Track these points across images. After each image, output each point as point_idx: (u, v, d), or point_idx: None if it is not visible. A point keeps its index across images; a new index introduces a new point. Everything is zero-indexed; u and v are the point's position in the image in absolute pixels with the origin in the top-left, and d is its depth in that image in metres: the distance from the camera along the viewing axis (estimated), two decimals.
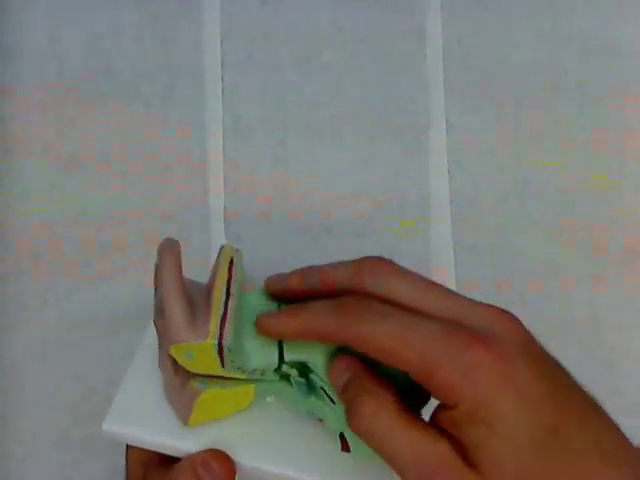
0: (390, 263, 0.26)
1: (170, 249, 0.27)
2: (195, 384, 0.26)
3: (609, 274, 0.40)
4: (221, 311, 0.25)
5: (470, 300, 0.24)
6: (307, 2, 0.42)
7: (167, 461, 0.27)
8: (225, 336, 0.25)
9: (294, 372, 0.27)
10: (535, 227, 0.40)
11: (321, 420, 0.27)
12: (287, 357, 0.26)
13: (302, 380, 0.27)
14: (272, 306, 0.28)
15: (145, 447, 0.28)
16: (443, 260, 0.40)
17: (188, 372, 0.26)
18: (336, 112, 0.41)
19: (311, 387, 0.27)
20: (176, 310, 0.25)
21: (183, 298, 0.25)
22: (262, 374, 0.27)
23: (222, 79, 0.41)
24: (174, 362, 0.26)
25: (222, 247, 0.28)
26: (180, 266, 0.26)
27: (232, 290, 0.26)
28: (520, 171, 0.41)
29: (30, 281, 0.39)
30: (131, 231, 0.40)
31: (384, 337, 0.22)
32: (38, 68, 0.41)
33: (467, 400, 0.21)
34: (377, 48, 0.42)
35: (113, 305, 0.39)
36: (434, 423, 0.23)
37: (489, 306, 0.24)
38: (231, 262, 0.27)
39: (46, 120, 0.41)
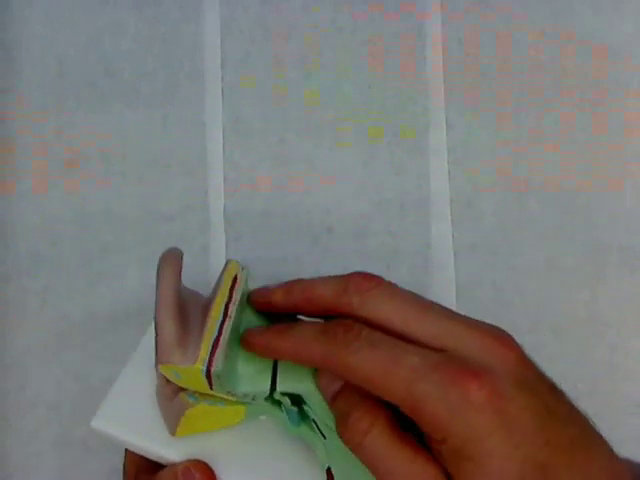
0: (378, 282, 0.24)
1: (170, 261, 0.26)
2: (185, 397, 0.26)
3: (609, 274, 0.40)
4: (214, 335, 0.24)
5: (465, 322, 0.23)
6: (307, 2, 0.42)
7: (156, 466, 0.27)
8: (214, 363, 0.24)
9: (286, 401, 0.26)
10: (535, 227, 0.40)
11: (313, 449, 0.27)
12: (280, 387, 0.26)
13: (294, 409, 0.26)
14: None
15: (131, 449, 0.28)
16: (443, 260, 0.40)
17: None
18: (336, 112, 0.41)
19: (303, 416, 0.26)
20: (167, 330, 0.24)
21: (176, 317, 0.24)
22: (253, 399, 0.26)
23: (222, 79, 0.41)
24: None
25: (228, 262, 0.27)
26: (179, 281, 0.26)
27: (230, 312, 0.25)
28: (520, 171, 0.41)
29: (30, 281, 0.39)
30: (131, 231, 0.40)
31: (371, 368, 0.22)
32: (38, 68, 0.41)
33: (455, 437, 0.20)
34: (377, 48, 0.42)
35: (113, 305, 0.39)
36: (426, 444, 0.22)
37: (485, 330, 0.23)
38: (234, 280, 0.26)
39: (46, 120, 0.41)
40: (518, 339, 0.24)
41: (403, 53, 0.42)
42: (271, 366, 0.26)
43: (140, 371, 0.28)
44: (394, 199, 0.41)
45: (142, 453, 0.27)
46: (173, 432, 0.26)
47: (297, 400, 0.26)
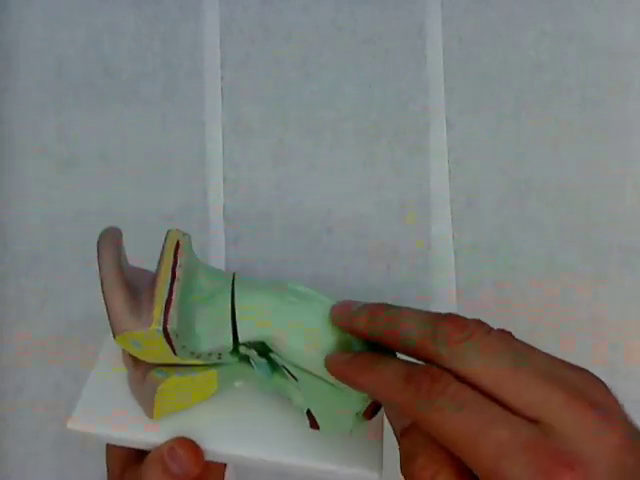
0: (471, 333, 0.22)
1: (107, 238, 0.26)
2: (155, 374, 0.26)
3: (609, 274, 0.40)
4: (165, 296, 0.25)
5: (566, 388, 0.21)
6: (307, 2, 0.42)
7: (142, 455, 0.27)
8: (170, 321, 0.24)
9: (253, 353, 0.26)
10: (535, 227, 0.40)
11: (290, 399, 0.27)
12: (242, 338, 0.26)
13: (263, 360, 0.26)
14: (225, 290, 0.27)
15: (114, 443, 0.28)
16: (443, 260, 0.40)
17: (148, 364, 0.26)
18: (336, 112, 0.41)
19: (273, 366, 0.27)
20: (116, 299, 0.25)
21: (122, 286, 0.25)
22: (219, 357, 0.26)
23: (222, 79, 0.41)
24: (134, 356, 0.26)
25: (168, 232, 0.27)
26: (119, 254, 0.26)
27: (177, 274, 0.25)
28: (520, 171, 0.41)
29: (29, 281, 0.39)
30: (129, 231, 0.40)
31: (454, 432, 0.20)
32: (38, 68, 0.41)
33: None
34: (377, 48, 0.42)
35: None
36: None
37: (587, 402, 0.20)
38: (177, 246, 0.27)
39: (45, 120, 0.41)
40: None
41: (403, 53, 0.42)
42: (230, 320, 0.26)
43: (108, 367, 0.29)
44: (394, 199, 0.41)
45: (125, 444, 0.27)
46: (151, 415, 0.27)
47: (263, 350, 0.26)
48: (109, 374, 0.28)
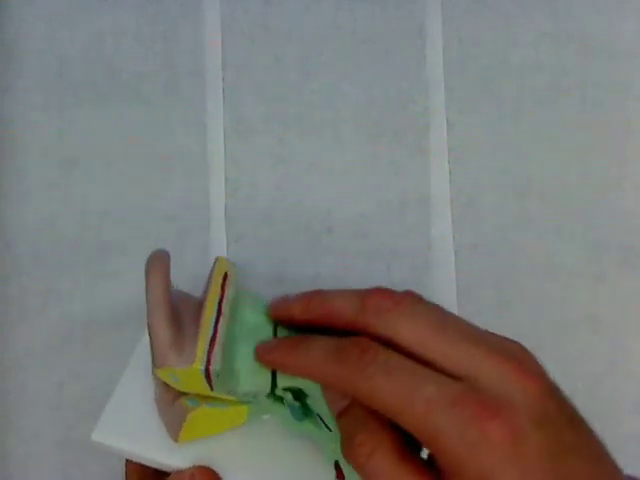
0: (398, 301, 0.23)
1: (158, 264, 0.25)
2: (186, 402, 0.25)
3: (609, 274, 0.40)
4: (210, 333, 0.24)
5: (487, 346, 0.22)
6: (307, 1, 0.42)
7: (161, 473, 0.27)
8: (213, 361, 0.24)
9: (289, 396, 0.26)
10: (535, 227, 0.40)
11: (319, 447, 0.27)
12: (280, 383, 0.25)
13: (297, 404, 0.26)
14: (268, 325, 0.26)
15: (134, 460, 0.28)
16: (443, 260, 0.40)
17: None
18: (336, 112, 0.41)
19: (307, 411, 0.26)
20: (161, 333, 0.24)
21: (169, 319, 0.24)
22: (254, 397, 0.26)
23: (223, 79, 0.41)
24: None
25: (216, 259, 0.27)
26: (168, 282, 0.25)
27: (224, 309, 0.25)
28: (520, 171, 0.41)
29: (31, 281, 0.39)
30: (131, 231, 0.40)
31: (386, 395, 0.21)
32: (38, 68, 0.41)
33: (469, 472, 0.20)
34: (377, 48, 0.42)
35: (114, 305, 0.39)
36: (432, 463, 0.22)
37: (508, 357, 0.22)
38: (225, 277, 0.26)
39: (46, 120, 0.41)
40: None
41: (403, 52, 0.42)
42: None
43: (138, 380, 0.28)
44: (394, 199, 0.41)
45: (146, 462, 0.27)
46: (176, 438, 0.26)
47: (299, 394, 0.26)
48: (137, 387, 0.28)
